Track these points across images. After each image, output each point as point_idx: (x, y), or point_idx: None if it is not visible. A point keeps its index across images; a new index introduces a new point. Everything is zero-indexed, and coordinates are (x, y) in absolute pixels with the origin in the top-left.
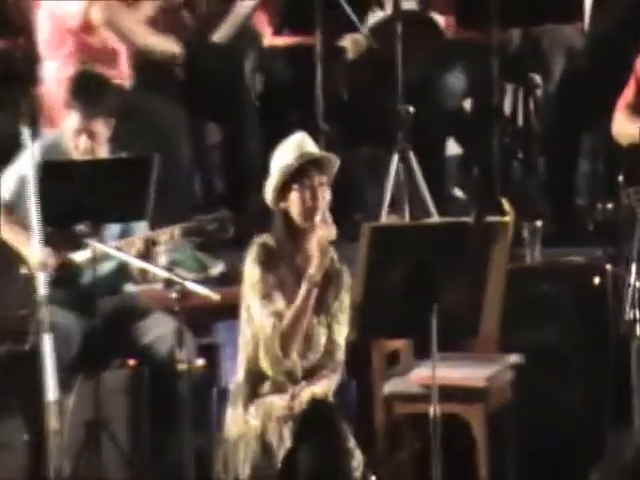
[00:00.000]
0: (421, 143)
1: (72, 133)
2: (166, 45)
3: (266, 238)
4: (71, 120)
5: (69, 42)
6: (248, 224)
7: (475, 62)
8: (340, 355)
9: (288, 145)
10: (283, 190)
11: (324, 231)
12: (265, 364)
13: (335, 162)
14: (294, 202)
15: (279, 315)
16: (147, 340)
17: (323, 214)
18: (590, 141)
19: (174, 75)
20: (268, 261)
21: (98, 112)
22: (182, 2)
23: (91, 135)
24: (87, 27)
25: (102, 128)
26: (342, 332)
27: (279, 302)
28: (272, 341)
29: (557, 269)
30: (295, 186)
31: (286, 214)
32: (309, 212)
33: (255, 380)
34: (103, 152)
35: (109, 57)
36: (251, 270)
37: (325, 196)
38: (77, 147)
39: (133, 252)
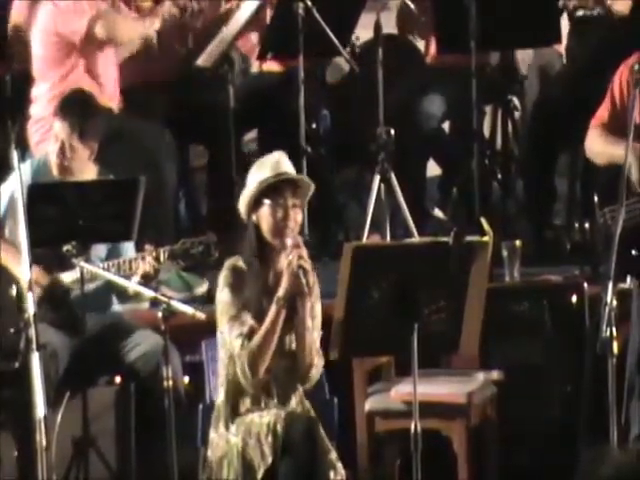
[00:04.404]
0: (402, 164)
1: (53, 139)
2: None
3: (236, 260)
4: (54, 127)
5: (64, 62)
6: (233, 246)
7: (454, 85)
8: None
9: (267, 161)
10: (256, 204)
11: (294, 254)
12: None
13: (310, 187)
14: (265, 217)
15: (247, 335)
16: (133, 357)
17: (295, 237)
18: (567, 161)
19: (161, 98)
20: (237, 283)
21: (78, 128)
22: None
23: (63, 148)
24: (89, 43)
25: (79, 145)
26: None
27: (247, 324)
28: (240, 360)
29: (535, 288)
30: (267, 201)
31: (257, 230)
32: (279, 230)
33: (235, 400)
34: (82, 170)
35: (99, 80)
36: (220, 294)
37: (297, 218)
38: (52, 153)
39: (139, 272)
